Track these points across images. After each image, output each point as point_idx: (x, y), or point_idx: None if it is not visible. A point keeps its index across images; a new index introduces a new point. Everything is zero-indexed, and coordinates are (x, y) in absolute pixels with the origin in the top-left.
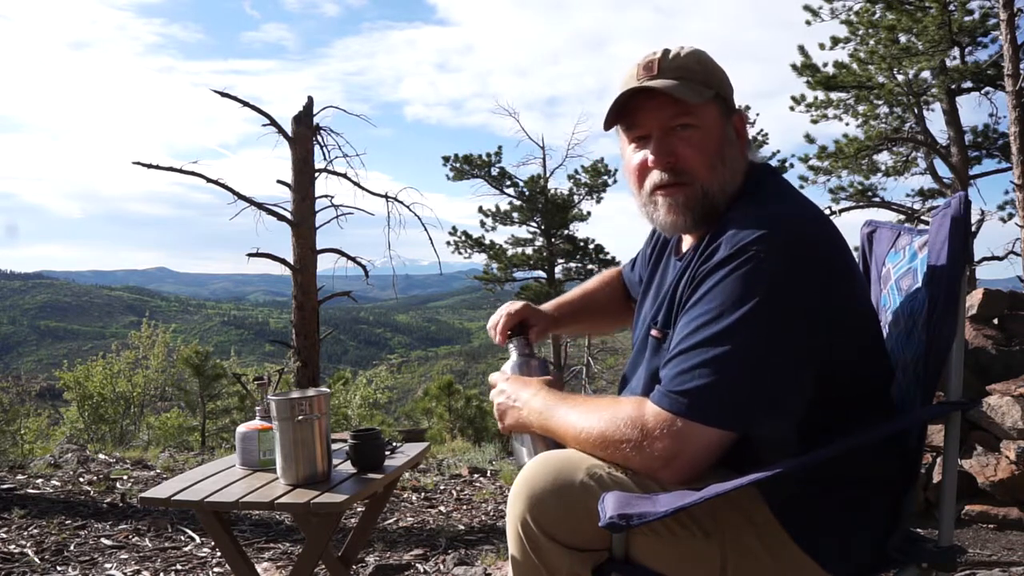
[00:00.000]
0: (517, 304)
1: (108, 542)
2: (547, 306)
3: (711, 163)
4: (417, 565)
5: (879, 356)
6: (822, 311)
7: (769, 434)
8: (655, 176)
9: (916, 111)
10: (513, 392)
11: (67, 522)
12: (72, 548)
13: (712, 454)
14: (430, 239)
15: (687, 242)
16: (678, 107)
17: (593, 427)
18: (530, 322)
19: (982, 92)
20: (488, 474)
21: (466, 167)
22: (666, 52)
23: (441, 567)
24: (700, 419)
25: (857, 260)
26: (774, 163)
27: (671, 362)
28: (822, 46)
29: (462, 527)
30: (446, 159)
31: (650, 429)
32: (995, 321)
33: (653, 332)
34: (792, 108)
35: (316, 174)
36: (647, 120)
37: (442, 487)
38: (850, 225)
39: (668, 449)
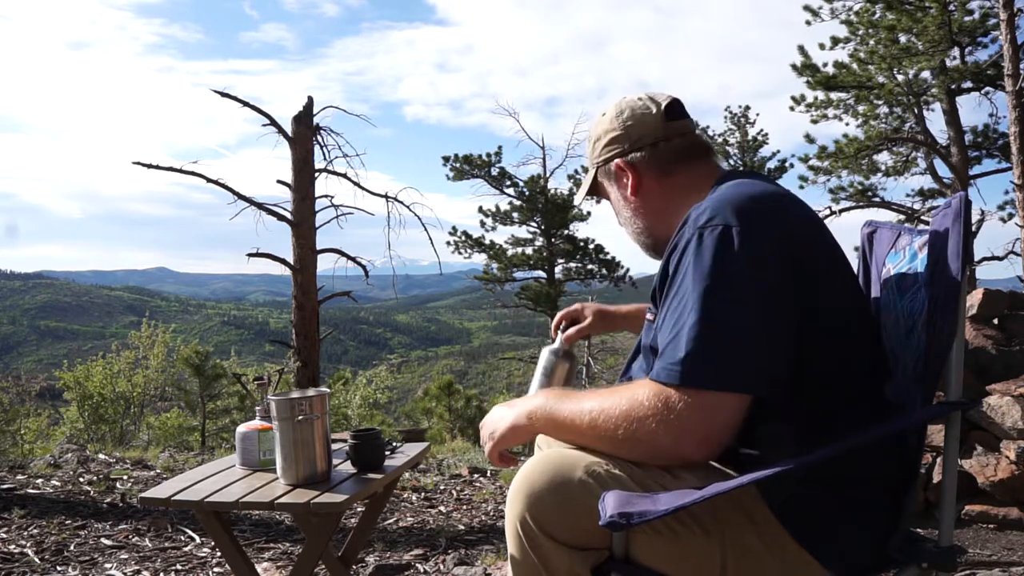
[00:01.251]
0: (576, 304)
1: (108, 542)
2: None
3: (623, 224)
4: (417, 565)
5: (867, 342)
6: (795, 257)
7: (771, 402)
8: None
9: (916, 111)
10: (513, 403)
11: (67, 522)
12: (72, 548)
13: (734, 422)
14: (430, 239)
15: None
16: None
17: (615, 407)
18: (580, 318)
19: (982, 92)
20: (488, 474)
21: (466, 167)
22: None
23: (441, 567)
24: (721, 387)
25: (857, 260)
26: (774, 163)
27: (671, 343)
28: (822, 46)
29: (462, 527)
30: (446, 159)
31: (674, 403)
32: (995, 321)
33: (648, 316)
34: (792, 108)
35: (316, 174)
36: None
37: (442, 487)
38: (850, 225)
39: (695, 422)
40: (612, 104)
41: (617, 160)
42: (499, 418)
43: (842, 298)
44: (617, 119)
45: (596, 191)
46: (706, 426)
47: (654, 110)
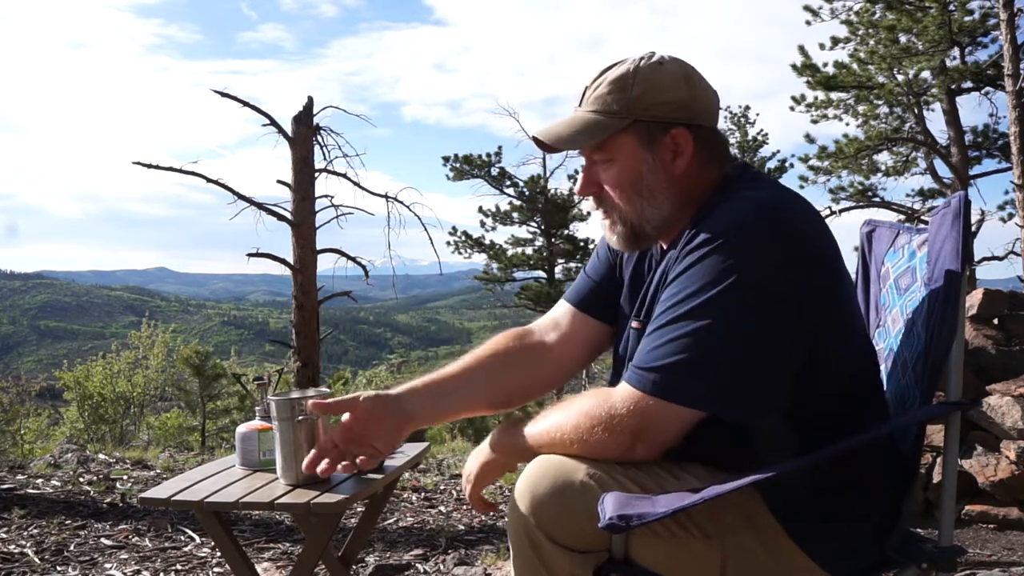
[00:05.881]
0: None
1: (108, 542)
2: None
3: (628, 197)
4: (417, 565)
5: (868, 350)
6: (806, 295)
7: (760, 426)
8: (589, 201)
9: (916, 111)
10: (477, 449)
11: (67, 522)
12: (72, 548)
13: (681, 431)
14: (430, 239)
15: (669, 237)
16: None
17: (567, 420)
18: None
19: (982, 92)
20: None
21: (466, 167)
22: (597, 78)
23: (441, 567)
24: (667, 396)
25: (856, 260)
26: (774, 163)
27: (646, 340)
28: (822, 46)
29: (462, 527)
30: (446, 159)
31: (617, 408)
32: (995, 321)
33: (633, 324)
34: (792, 108)
35: (316, 174)
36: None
37: (442, 487)
38: (850, 225)
39: (634, 425)
40: (667, 56)
41: (681, 128)
42: (471, 460)
43: (848, 312)
44: (686, 82)
45: (602, 146)
46: (648, 431)
47: (712, 93)
